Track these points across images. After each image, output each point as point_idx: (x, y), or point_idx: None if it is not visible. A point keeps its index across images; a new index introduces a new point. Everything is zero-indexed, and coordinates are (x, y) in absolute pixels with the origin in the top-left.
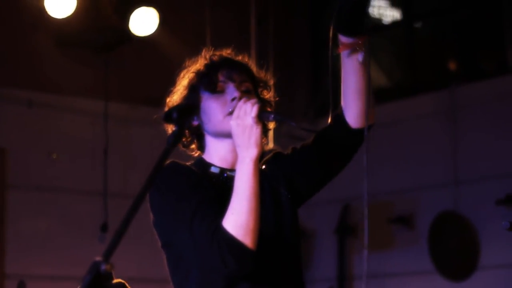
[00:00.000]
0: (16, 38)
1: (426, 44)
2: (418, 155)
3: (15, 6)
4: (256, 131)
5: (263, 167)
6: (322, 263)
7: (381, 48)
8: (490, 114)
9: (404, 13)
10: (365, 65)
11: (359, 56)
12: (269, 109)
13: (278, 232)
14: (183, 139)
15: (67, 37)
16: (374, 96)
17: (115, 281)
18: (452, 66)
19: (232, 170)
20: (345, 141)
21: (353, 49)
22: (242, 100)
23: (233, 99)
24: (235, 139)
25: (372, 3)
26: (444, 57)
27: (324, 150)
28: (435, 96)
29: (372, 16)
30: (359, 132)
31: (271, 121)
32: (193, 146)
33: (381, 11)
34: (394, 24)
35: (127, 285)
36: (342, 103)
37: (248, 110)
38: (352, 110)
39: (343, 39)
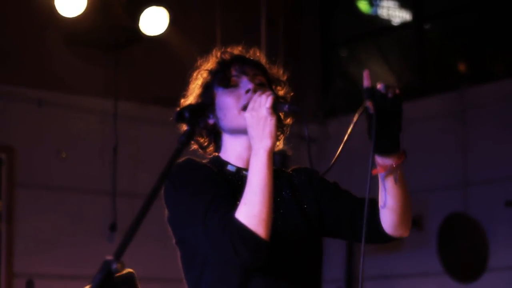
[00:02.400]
0: (26, 37)
1: (435, 45)
2: (427, 156)
3: (26, 5)
4: (270, 122)
5: (289, 170)
6: (331, 264)
7: (390, 49)
8: (499, 116)
9: (414, 14)
10: (402, 184)
11: (396, 177)
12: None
13: (294, 227)
14: (201, 141)
15: (77, 36)
16: (410, 208)
17: (124, 271)
18: (461, 67)
19: (248, 170)
20: (371, 237)
21: (389, 171)
22: (257, 93)
23: (247, 91)
24: (249, 130)
25: (382, 3)
26: (453, 58)
27: (350, 222)
28: (445, 98)
29: (382, 17)
30: (389, 238)
31: (286, 111)
32: (210, 148)
33: (391, 12)
34: (404, 25)
35: (135, 274)
36: (380, 212)
37: (262, 102)
38: (388, 223)
39: (379, 160)
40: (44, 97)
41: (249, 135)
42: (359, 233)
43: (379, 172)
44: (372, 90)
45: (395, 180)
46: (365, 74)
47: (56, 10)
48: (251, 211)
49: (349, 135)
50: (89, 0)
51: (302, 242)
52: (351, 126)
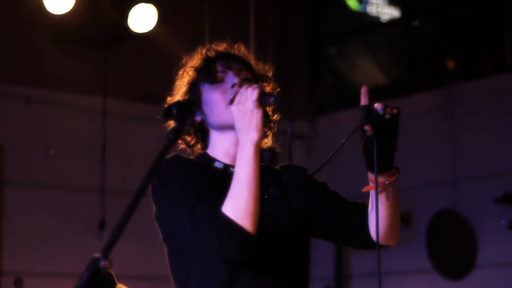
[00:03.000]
0: (14, 34)
1: (424, 42)
2: (416, 153)
3: (14, 2)
4: (257, 115)
5: (278, 167)
6: (320, 262)
7: (379, 46)
8: (488, 112)
9: (403, 11)
10: (393, 200)
11: (388, 194)
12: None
13: (282, 224)
14: (188, 139)
15: (66, 33)
16: (399, 220)
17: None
18: (450, 64)
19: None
20: (359, 242)
21: (382, 188)
22: (244, 87)
23: (233, 85)
24: (236, 124)
25: (370, 0)
26: (442, 55)
27: (339, 225)
28: (434, 94)
29: (370, 14)
30: (375, 246)
31: (272, 104)
32: (198, 147)
33: (380, 9)
34: (393, 22)
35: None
36: (369, 222)
37: (248, 95)
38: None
39: (371, 176)
40: (32, 94)
41: (236, 128)
42: (349, 237)
43: (371, 189)
44: (369, 109)
45: (387, 197)
46: (363, 91)
47: (44, 7)
48: (238, 204)
49: (340, 147)
50: None
51: (289, 239)
52: (344, 140)
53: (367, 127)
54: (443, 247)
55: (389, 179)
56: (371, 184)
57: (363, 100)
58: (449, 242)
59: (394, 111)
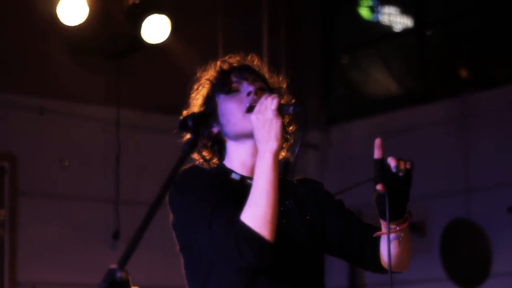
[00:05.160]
0: (28, 45)
1: (437, 51)
2: (429, 162)
3: (27, 13)
4: (276, 124)
5: (294, 180)
6: (334, 272)
7: (392, 55)
8: (501, 122)
9: (415, 20)
10: (406, 244)
11: (399, 238)
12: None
13: (297, 236)
14: (205, 154)
15: (79, 44)
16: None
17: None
18: (463, 74)
19: (252, 178)
20: (371, 267)
21: (393, 233)
22: (263, 96)
23: (248, 94)
24: (255, 133)
25: (383, 10)
26: (455, 64)
27: (355, 246)
28: (447, 104)
29: (383, 23)
30: (385, 272)
31: (291, 113)
32: (214, 160)
33: (392, 18)
34: (405, 31)
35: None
36: (381, 251)
37: (268, 104)
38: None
39: (383, 223)
40: (46, 105)
41: (255, 137)
42: (363, 259)
43: (383, 234)
44: (382, 164)
45: (399, 242)
46: (377, 144)
47: (57, 19)
48: (256, 212)
49: (354, 186)
50: (90, 9)
51: (305, 251)
52: (353, 185)
53: (379, 187)
54: (457, 256)
55: (401, 225)
56: (384, 230)
57: (377, 153)
58: (463, 251)
59: (408, 166)
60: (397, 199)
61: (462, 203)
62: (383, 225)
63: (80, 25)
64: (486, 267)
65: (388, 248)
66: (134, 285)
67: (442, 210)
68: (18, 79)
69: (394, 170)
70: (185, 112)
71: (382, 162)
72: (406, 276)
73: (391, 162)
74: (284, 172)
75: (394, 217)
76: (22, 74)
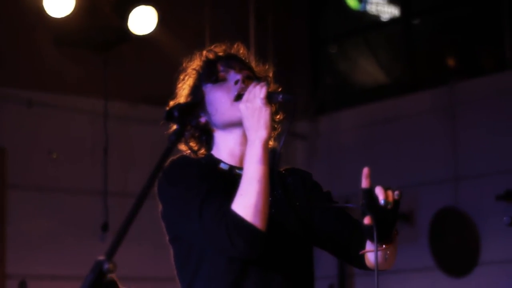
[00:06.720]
0: (15, 37)
1: (424, 40)
2: (417, 151)
3: (14, 5)
4: (265, 113)
5: (282, 170)
6: (323, 261)
7: (379, 45)
8: (489, 110)
9: (403, 10)
10: (391, 258)
11: (385, 255)
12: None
13: (287, 225)
14: (193, 144)
15: (66, 36)
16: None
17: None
18: (451, 62)
19: (241, 168)
20: (355, 263)
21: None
22: (252, 85)
23: (236, 82)
24: (244, 122)
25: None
26: (442, 53)
27: (341, 241)
28: (434, 93)
29: (370, 13)
30: (369, 269)
31: (280, 101)
32: (202, 151)
33: (379, 7)
34: (393, 20)
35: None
36: (367, 254)
37: (257, 93)
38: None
39: (369, 244)
40: (34, 97)
41: (245, 126)
42: (349, 255)
43: (368, 252)
44: (370, 195)
45: (384, 258)
46: (364, 173)
47: (44, 11)
48: (247, 202)
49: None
50: (77, 0)
51: (294, 240)
52: (349, 205)
53: (366, 221)
54: (445, 244)
55: (388, 245)
56: (369, 248)
57: (364, 183)
58: (452, 239)
59: (396, 197)
60: (385, 227)
61: (450, 191)
62: (370, 244)
63: (67, 17)
64: (474, 256)
65: (376, 266)
66: (123, 278)
67: (430, 199)
68: (5, 71)
69: (382, 203)
70: (171, 103)
71: (370, 192)
72: (394, 265)
73: (379, 194)
74: (272, 162)
75: (382, 239)
76: (10, 67)
